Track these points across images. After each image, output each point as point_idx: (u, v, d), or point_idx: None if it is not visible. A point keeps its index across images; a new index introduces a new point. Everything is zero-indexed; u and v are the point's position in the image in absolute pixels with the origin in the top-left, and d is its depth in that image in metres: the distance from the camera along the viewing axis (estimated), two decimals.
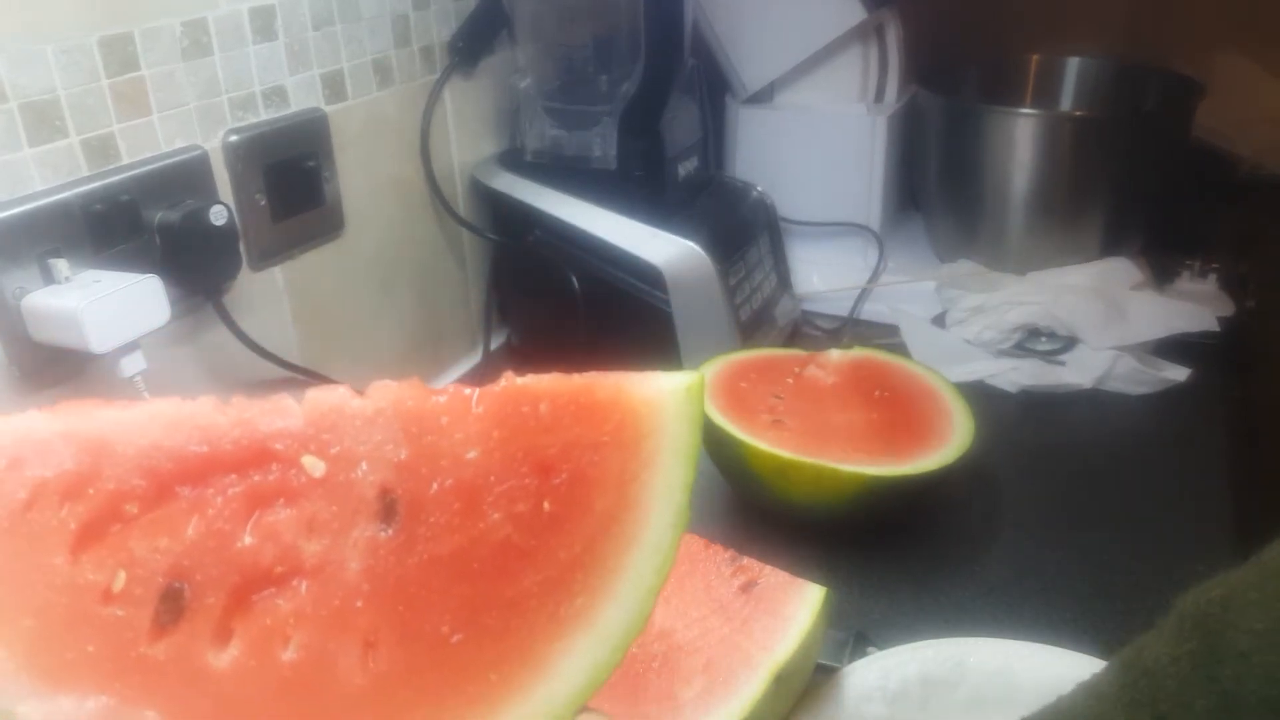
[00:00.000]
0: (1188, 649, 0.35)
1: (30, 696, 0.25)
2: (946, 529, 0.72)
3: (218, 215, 0.67)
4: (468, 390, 0.30)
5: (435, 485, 0.29)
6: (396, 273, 0.90)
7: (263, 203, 0.74)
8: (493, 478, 0.29)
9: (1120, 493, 0.75)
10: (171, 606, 0.28)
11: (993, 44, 1.18)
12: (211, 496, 0.29)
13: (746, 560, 0.55)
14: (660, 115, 0.88)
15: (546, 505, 0.29)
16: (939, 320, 0.99)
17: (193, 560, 0.28)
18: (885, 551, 0.69)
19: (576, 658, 0.27)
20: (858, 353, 0.78)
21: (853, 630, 0.57)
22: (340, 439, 0.30)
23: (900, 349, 0.92)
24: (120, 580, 0.27)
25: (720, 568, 0.54)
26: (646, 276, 0.88)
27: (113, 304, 0.58)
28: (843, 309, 1.05)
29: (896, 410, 0.72)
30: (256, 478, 0.29)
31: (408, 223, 0.91)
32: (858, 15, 0.98)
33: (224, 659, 0.27)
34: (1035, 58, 1.14)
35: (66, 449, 0.28)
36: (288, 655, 0.27)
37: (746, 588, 0.53)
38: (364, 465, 0.29)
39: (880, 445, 0.68)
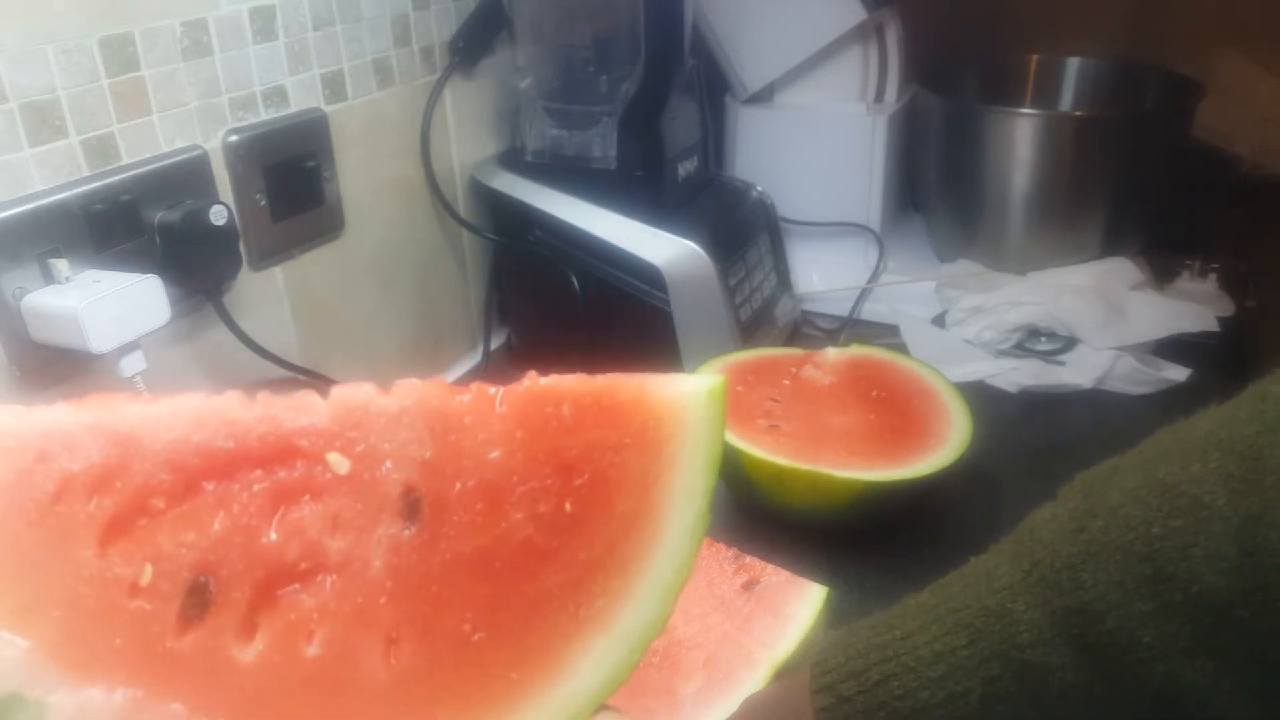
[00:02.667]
0: (1068, 507, 0.38)
1: (60, 687, 0.26)
2: (947, 529, 0.72)
3: (218, 215, 0.67)
4: (491, 390, 0.30)
5: (459, 485, 0.29)
6: (396, 273, 0.90)
7: (263, 203, 0.74)
8: (515, 478, 0.29)
9: None
10: (197, 600, 0.28)
11: (993, 44, 1.18)
12: (237, 492, 0.29)
13: (749, 559, 0.55)
14: (660, 115, 0.88)
15: (568, 506, 0.29)
16: (939, 320, 0.99)
17: (218, 555, 0.28)
18: (886, 552, 0.69)
19: (596, 658, 0.28)
20: (855, 351, 0.78)
21: None
22: (365, 437, 0.30)
23: (900, 349, 0.92)
24: (147, 574, 0.28)
25: (723, 565, 0.54)
26: (646, 276, 0.88)
27: (113, 304, 0.58)
28: (843, 309, 1.05)
29: (894, 411, 0.72)
30: (282, 474, 0.29)
31: (408, 223, 0.91)
32: (858, 15, 0.98)
33: (249, 653, 0.28)
34: (1035, 58, 1.14)
35: (94, 443, 0.28)
36: (312, 650, 0.28)
37: (748, 586, 0.53)
38: (388, 463, 0.29)
39: (877, 448, 0.68)
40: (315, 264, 0.81)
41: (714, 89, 1.04)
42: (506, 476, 0.29)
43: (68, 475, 0.28)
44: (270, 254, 0.76)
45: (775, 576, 0.53)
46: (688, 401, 0.30)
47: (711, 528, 0.65)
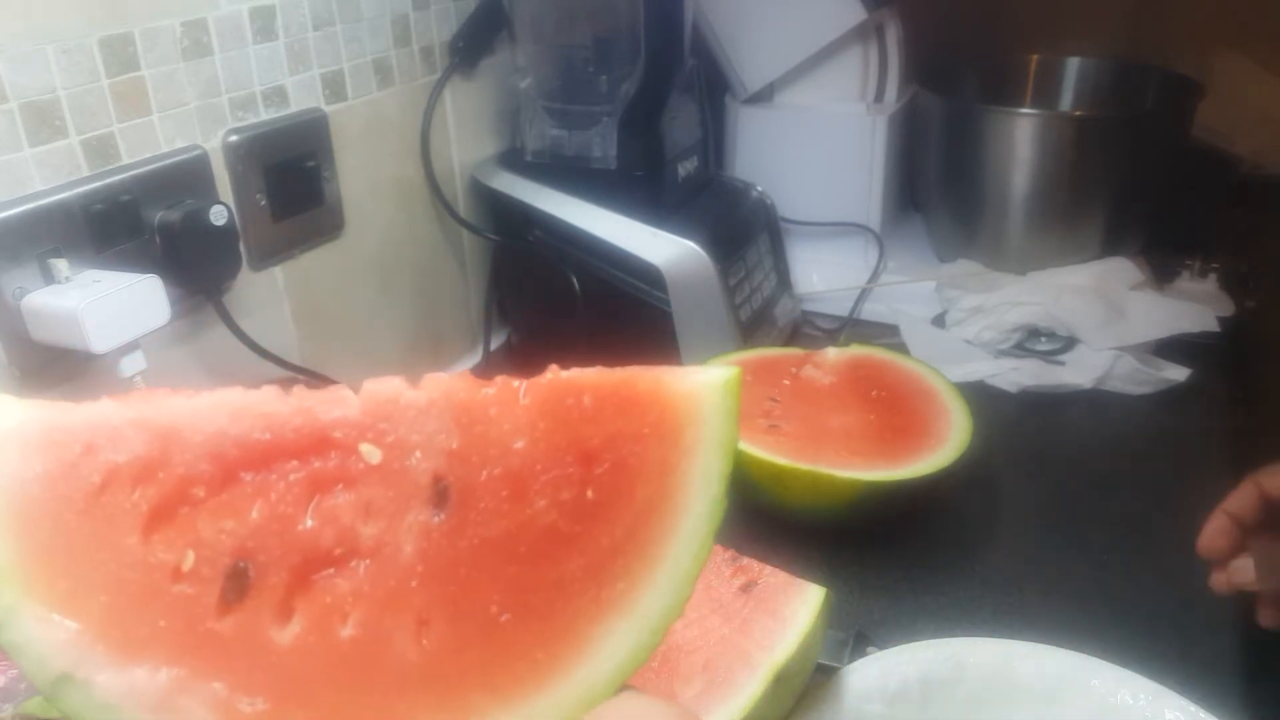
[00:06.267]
0: None
1: (107, 667, 0.27)
2: (947, 529, 0.72)
3: (218, 215, 0.67)
4: (515, 383, 0.32)
5: (485, 473, 0.30)
6: (396, 273, 0.90)
7: (263, 203, 0.74)
8: (539, 466, 0.30)
9: (1120, 493, 0.75)
10: (237, 585, 0.29)
11: (993, 44, 1.18)
12: (274, 481, 0.30)
13: (746, 560, 0.55)
14: (660, 115, 0.88)
15: (590, 493, 0.30)
16: (939, 320, 0.99)
17: (257, 541, 0.30)
18: (886, 551, 0.69)
19: (618, 639, 0.29)
20: (855, 351, 0.78)
21: (853, 630, 0.57)
22: (396, 428, 0.31)
23: (900, 349, 0.92)
24: (189, 560, 0.29)
25: (720, 568, 0.54)
26: (646, 276, 0.88)
27: (113, 304, 0.58)
28: (843, 309, 1.05)
29: (894, 411, 0.72)
30: (317, 464, 0.31)
31: (408, 223, 0.91)
32: (858, 15, 0.98)
33: (286, 635, 0.29)
34: (1035, 58, 1.14)
35: (138, 436, 0.30)
36: (346, 632, 0.29)
37: (746, 588, 0.53)
38: (418, 453, 0.31)
39: (878, 448, 0.68)
40: (315, 264, 0.81)
41: (714, 89, 1.04)
42: (530, 465, 0.31)
43: (113, 467, 0.29)
44: (270, 254, 0.76)
45: (773, 578, 0.53)
46: (704, 393, 0.31)
47: None
